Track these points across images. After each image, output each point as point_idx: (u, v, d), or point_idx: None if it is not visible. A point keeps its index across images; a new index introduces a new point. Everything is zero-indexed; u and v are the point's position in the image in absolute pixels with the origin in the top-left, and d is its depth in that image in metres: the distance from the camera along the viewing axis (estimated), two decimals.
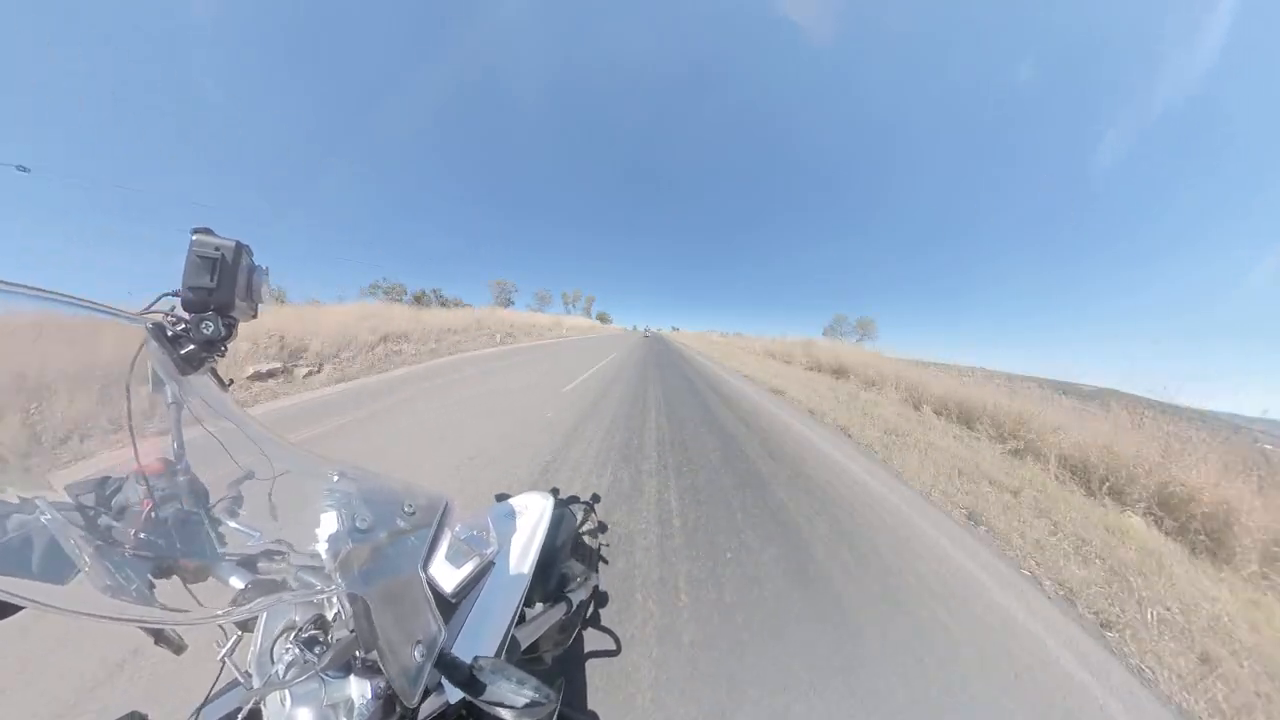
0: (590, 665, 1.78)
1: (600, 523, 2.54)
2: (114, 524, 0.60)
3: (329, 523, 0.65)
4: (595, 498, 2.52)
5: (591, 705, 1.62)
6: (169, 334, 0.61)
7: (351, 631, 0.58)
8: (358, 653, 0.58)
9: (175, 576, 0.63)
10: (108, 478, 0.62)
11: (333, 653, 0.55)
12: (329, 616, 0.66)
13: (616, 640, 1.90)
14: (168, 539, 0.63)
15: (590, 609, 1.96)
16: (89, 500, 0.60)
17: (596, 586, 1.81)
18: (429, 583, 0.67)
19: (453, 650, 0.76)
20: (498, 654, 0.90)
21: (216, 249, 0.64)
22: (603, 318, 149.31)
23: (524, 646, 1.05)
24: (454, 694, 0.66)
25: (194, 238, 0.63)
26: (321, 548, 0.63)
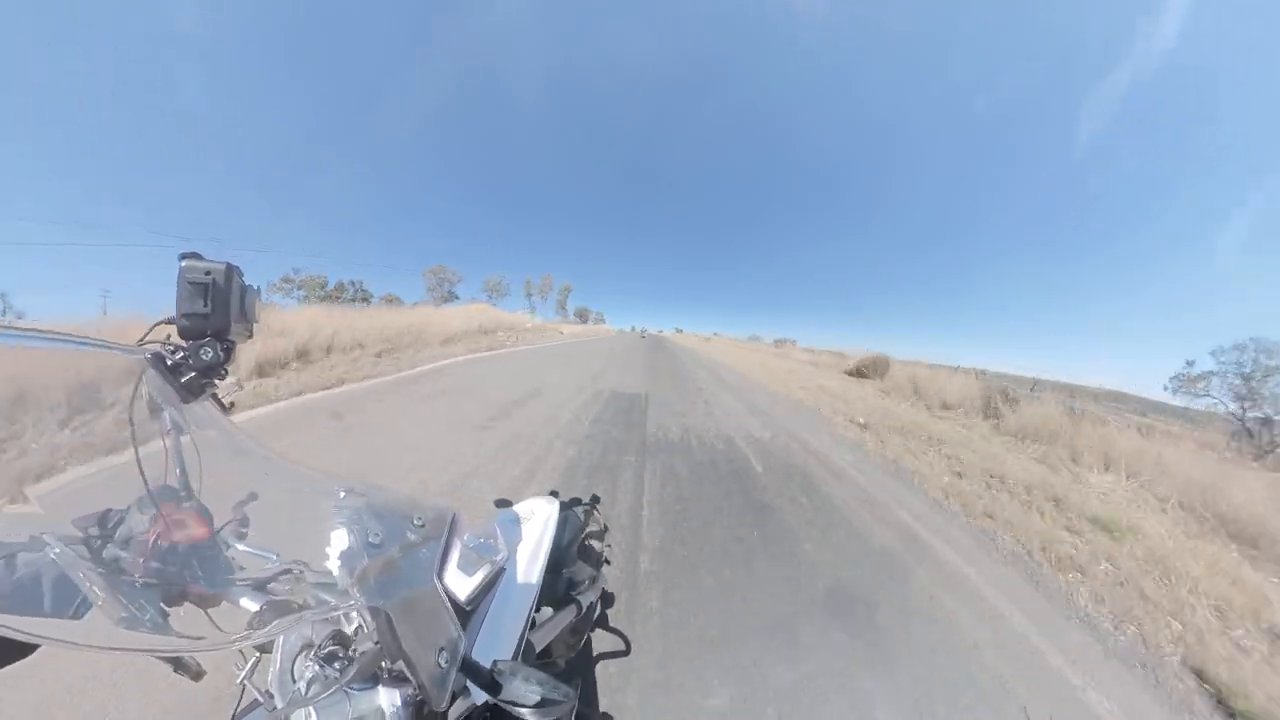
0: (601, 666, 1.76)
1: (603, 524, 2.56)
2: (121, 554, 0.60)
3: (340, 540, 0.65)
4: (595, 499, 2.52)
5: (604, 707, 1.64)
6: (168, 363, 0.61)
7: (376, 644, 0.58)
8: (384, 663, 0.59)
9: (188, 603, 0.62)
10: (110, 509, 0.62)
11: (358, 665, 0.56)
12: (349, 631, 0.66)
13: (626, 641, 1.91)
14: (177, 566, 0.62)
15: (598, 610, 1.98)
16: (94, 532, 0.59)
17: (604, 588, 1.82)
18: (444, 591, 0.68)
19: (472, 655, 0.77)
20: (513, 658, 0.90)
21: (207, 273, 0.63)
22: (584, 314, 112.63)
23: (538, 650, 1.06)
24: (479, 696, 0.67)
25: (183, 264, 0.63)
26: (334, 565, 0.63)
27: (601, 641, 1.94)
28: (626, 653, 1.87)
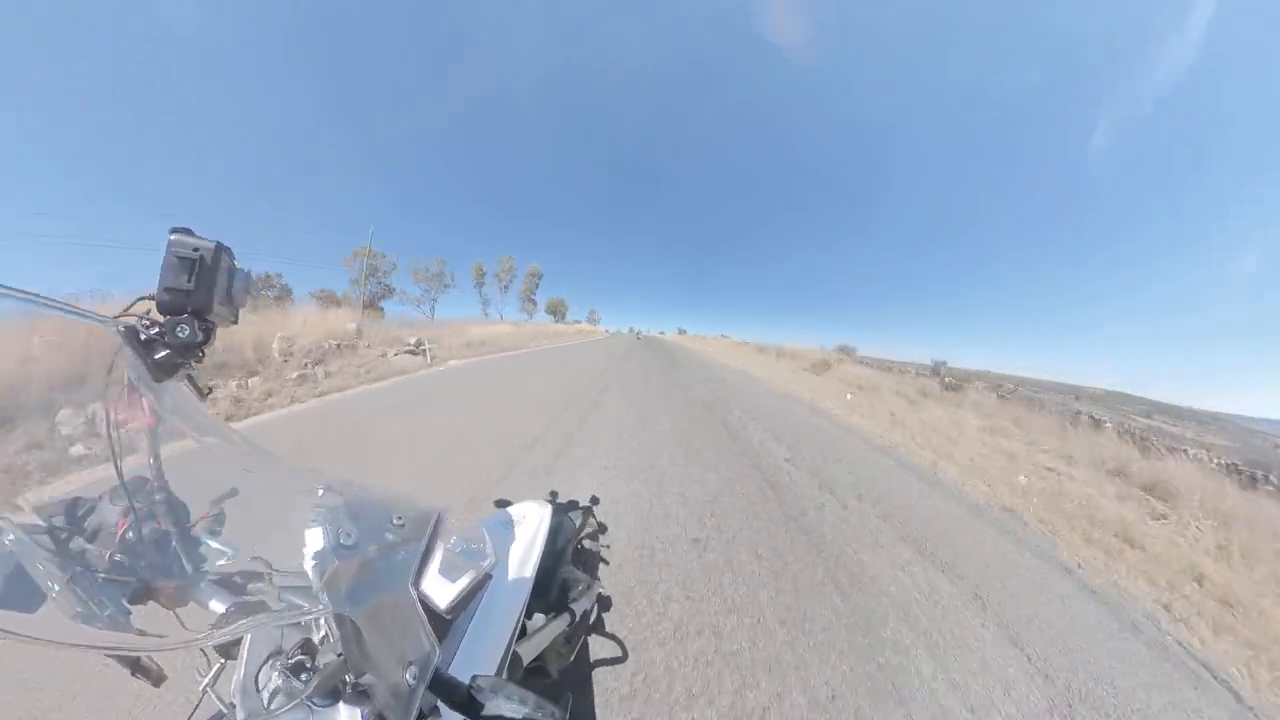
0: (597, 674, 1.72)
1: (600, 524, 2.48)
2: (87, 546, 0.56)
3: (315, 539, 0.61)
4: (594, 499, 2.46)
5: (601, 717, 1.57)
6: (142, 338, 0.58)
7: (339, 655, 0.54)
8: (347, 678, 0.54)
9: (152, 601, 0.59)
10: (79, 498, 0.59)
11: (319, 679, 0.51)
12: (316, 640, 0.61)
13: (622, 647, 1.85)
14: (144, 561, 0.59)
15: (594, 616, 1.92)
16: (60, 522, 0.56)
17: (600, 593, 1.76)
18: (421, 599, 0.63)
19: (449, 670, 0.72)
20: (498, 672, 0.85)
21: (195, 249, 0.60)
22: (559, 309, 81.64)
23: (527, 662, 1.01)
24: (451, 717, 0.62)
25: (172, 237, 0.60)
26: (308, 566, 0.59)
27: (605, 647, 1.86)
28: (623, 659, 1.80)
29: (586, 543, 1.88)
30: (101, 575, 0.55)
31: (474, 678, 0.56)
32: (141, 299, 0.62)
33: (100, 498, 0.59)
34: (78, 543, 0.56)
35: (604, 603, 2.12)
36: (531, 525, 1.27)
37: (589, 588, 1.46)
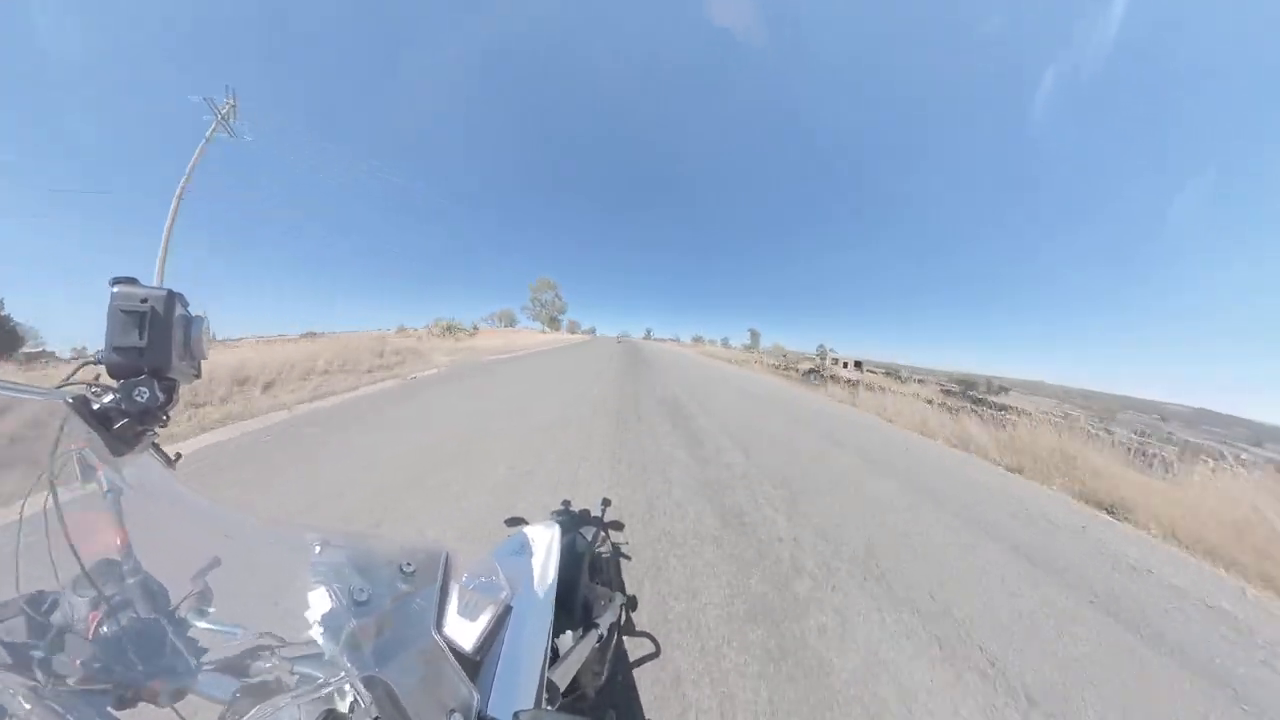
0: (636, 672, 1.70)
1: (615, 521, 2.43)
2: (54, 654, 0.49)
3: (320, 601, 0.56)
4: (606, 502, 2.43)
5: (649, 714, 1.55)
6: (94, 408, 0.51)
7: (375, 718, 0.49)
8: None
9: (143, 703, 0.52)
10: (41, 591, 0.51)
11: None
12: (343, 708, 0.56)
13: (655, 642, 1.82)
14: (125, 658, 0.52)
15: (623, 619, 1.89)
16: (18, 625, 0.49)
17: (625, 603, 1.73)
18: (447, 643, 0.60)
19: (488, 711, 0.68)
20: (536, 703, 0.82)
21: (144, 300, 0.54)
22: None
23: (563, 687, 0.97)
24: None
25: (114, 290, 0.53)
26: (317, 632, 0.54)
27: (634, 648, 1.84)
28: (656, 654, 1.78)
29: (605, 550, 1.85)
30: (77, 684, 0.49)
31: (516, 714, 0.53)
32: (86, 362, 0.54)
33: (63, 590, 0.52)
34: (39, 652, 0.49)
35: (631, 602, 2.09)
36: (542, 547, 1.23)
37: (613, 600, 1.43)
